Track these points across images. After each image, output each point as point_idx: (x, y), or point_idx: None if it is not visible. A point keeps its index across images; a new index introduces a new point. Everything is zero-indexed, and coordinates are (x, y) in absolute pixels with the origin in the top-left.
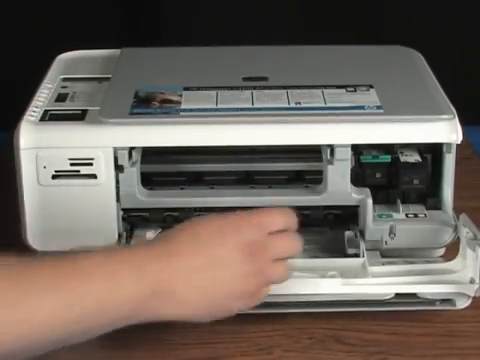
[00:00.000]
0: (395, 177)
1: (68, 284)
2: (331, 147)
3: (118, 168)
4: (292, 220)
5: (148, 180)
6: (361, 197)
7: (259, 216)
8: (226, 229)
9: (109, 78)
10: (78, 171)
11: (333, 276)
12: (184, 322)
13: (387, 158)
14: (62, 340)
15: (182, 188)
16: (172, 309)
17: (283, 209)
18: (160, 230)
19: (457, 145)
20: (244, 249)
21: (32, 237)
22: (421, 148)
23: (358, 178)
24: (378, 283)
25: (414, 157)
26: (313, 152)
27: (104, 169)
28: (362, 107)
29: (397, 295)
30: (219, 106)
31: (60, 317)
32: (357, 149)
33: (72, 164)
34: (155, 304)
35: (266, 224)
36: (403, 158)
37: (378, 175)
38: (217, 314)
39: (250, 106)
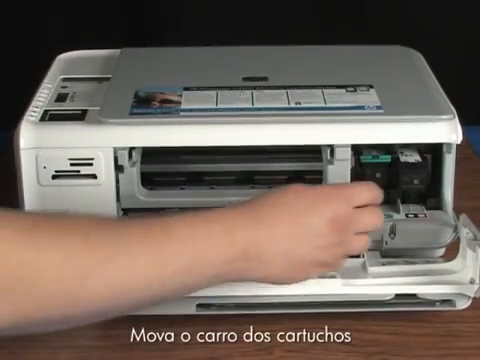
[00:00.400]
0: (395, 177)
1: (162, 244)
2: (331, 147)
3: (118, 168)
4: (377, 195)
5: (148, 180)
6: None
7: (349, 190)
8: (318, 200)
9: (109, 78)
10: (78, 171)
11: (333, 276)
12: (266, 283)
13: (387, 158)
14: (153, 299)
15: (182, 188)
16: (257, 272)
17: (370, 184)
18: None
19: (457, 145)
20: (332, 223)
21: None
22: (421, 148)
23: (358, 178)
24: (378, 284)
25: (414, 157)
26: (313, 152)
27: (104, 169)
28: (362, 107)
29: (397, 296)
30: (219, 106)
31: (153, 275)
32: (357, 149)
33: (72, 164)
34: (242, 266)
35: (354, 199)
36: (403, 158)
37: (378, 175)
38: (297, 278)
39: (250, 106)
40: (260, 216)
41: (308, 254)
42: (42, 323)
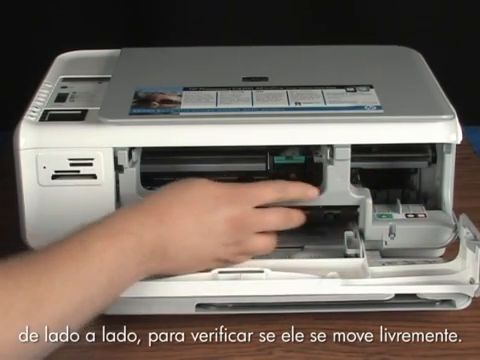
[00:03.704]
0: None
1: (83, 265)
2: (331, 147)
3: (118, 168)
4: (282, 194)
5: (148, 180)
6: (361, 197)
7: (252, 191)
8: (220, 200)
9: (109, 78)
10: (78, 171)
11: (333, 277)
12: (171, 274)
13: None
14: (86, 316)
15: None
16: (164, 267)
17: (276, 184)
18: None
19: (457, 145)
20: (229, 222)
21: (32, 237)
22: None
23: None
24: (378, 284)
25: None
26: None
27: (104, 169)
28: (362, 107)
29: (397, 295)
30: (219, 106)
31: (83, 296)
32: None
33: (72, 164)
34: (151, 265)
35: (257, 199)
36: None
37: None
38: (197, 269)
39: (250, 106)
40: (164, 216)
41: (208, 251)
42: None
